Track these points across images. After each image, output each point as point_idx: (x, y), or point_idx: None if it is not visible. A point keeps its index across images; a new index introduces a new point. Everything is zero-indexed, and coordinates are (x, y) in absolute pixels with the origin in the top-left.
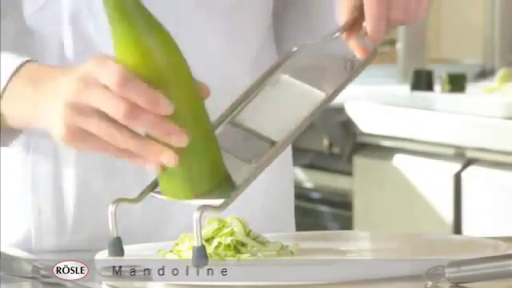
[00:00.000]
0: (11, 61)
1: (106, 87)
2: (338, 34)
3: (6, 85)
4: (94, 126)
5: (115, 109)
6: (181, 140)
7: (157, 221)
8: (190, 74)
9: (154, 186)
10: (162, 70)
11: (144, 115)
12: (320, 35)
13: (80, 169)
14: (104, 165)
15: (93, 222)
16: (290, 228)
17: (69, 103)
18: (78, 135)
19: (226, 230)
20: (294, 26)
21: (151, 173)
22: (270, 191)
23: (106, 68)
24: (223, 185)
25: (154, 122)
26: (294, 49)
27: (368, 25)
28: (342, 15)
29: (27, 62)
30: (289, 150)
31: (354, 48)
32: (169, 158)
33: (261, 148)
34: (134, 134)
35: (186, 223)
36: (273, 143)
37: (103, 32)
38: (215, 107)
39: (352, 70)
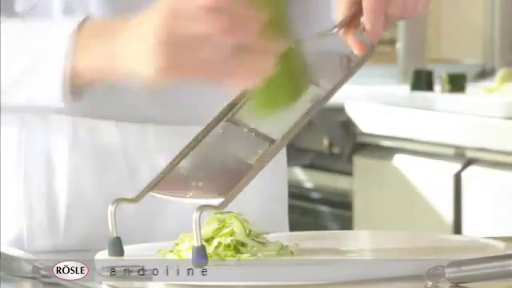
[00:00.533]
0: (71, 19)
1: (195, 15)
2: (335, 30)
3: (75, 40)
4: (192, 47)
5: (212, 25)
6: (282, 44)
7: (150, 221)
8: None
9: (153, 185)
10: None
11: (242, 27)
12: (318, 29)
13: (72, 168)
14: (96, 164)
15: (85, 222)
16: (284, 227)
17: (161, 37)
18: (173, 64)
19: (225, 230)
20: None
21: (144, 173)
22: (263, 190)
23: None
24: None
25: (254, 31)
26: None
27: (366, 20)
28: (340, 11)
29: (88, 17)
30: (283, 149)
31: (352, 44)
32: (270, 65)
33: (260, 146)
34: (233, 51)
35: (180, 224)
36: (272, 141)
37: None
38: (213, 105)
39: (350, 66)
